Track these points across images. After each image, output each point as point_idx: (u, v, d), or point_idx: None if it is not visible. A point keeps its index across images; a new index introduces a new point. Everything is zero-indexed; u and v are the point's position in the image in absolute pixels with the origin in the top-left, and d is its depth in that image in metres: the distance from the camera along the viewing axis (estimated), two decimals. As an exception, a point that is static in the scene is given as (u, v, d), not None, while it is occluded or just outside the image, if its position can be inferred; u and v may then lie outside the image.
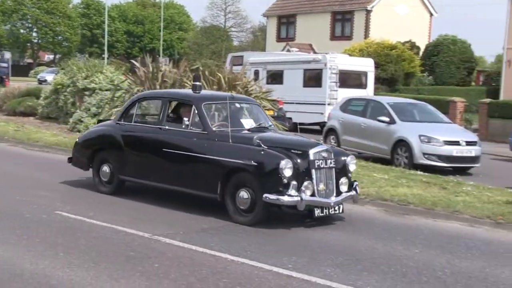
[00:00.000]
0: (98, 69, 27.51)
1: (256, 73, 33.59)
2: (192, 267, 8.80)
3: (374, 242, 10.66)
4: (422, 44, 53.95)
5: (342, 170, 12.21)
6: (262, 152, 11.42)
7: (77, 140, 15.37)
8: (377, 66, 39.09)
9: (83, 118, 24.60)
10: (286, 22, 58.88)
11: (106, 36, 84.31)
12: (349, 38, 53.38)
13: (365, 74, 34.94)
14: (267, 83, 31.87)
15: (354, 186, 12.35)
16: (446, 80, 49.74)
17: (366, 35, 52.54)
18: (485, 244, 10.86)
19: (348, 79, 33.70)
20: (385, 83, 46.00)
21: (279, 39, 58.17)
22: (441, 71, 50.57)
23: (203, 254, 9.51)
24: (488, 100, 37.45)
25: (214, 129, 12.55)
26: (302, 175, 11.41)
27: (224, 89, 21.11)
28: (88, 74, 26.50)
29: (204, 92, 14.46)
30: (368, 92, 33.81)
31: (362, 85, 34.31)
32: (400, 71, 48.41)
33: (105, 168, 13.84)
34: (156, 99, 15.24)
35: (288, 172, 11.04)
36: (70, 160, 15.11)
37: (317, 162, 11.54)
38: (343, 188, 12.04)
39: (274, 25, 60.11)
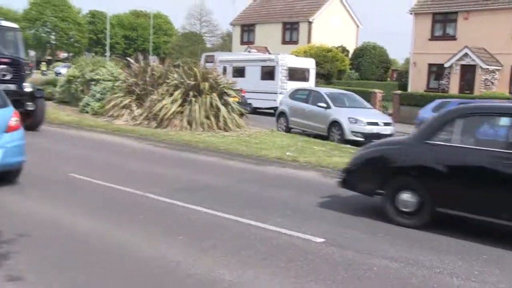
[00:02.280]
0: (101, 64, 27.30)
1: (224, 69, 33.57)
2: (174, 216, 8.76)
3: (313, 198, 10.55)
4: (351, 48, 53.99)
5: None
6: None
7: (353, 162, 9.92)
8: (317, 64, 39.08)
9: (90, 102, 24.34)
10: (247, 30, 58.60)
11: (108, 39, 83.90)
12: (295, 42, 53.23)
13: (307, 70, 35.04)
14: (233, 76, 31.87)
15: None
16: (369, 76, 49.98)
17: (309, 41, 52.43)
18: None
19: (295, 74, 33.78)
20: (323, 77, 46.08)
21: (242, 42, 57.85)
22: (365, 69, 50.79)
23: (181, 207, 9.39)
24: (399, 92, 37.95)
25: None
26: None
27: (199, 80, 21.07)
28: (93, 68, 26.22)
29: None
30: (310, 84, 33.91)
31: (306, 79, 34.39)
32: (334, 68, 48.62)
33: (407, 196, 8.83)
34: (495, 116, 9.24)
35: None
36: (343, 184, 9.92)
37: None
38: None
39: (238, 32, 59.79)
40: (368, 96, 33.53)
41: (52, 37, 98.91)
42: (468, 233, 8.46)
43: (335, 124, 20.84)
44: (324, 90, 23.73)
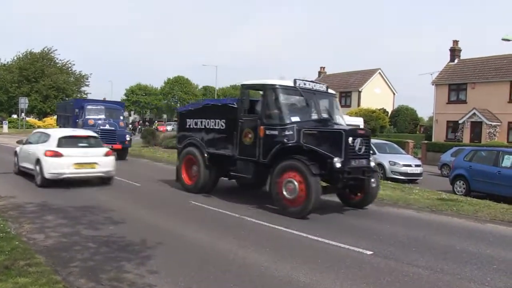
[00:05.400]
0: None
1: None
2: (262, 234, 8.63)
3: (362, 221, 10.33)
4: (389, 110, 53.12)
5: None
6: None
7: None
8: (365, 122, 38.38)
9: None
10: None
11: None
12: (349, 106, 52.74)
13: (358, 126, 34.45)
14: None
15: None
16: (403, 130, 48.95)
17: (359, 105, 51.92)
18: (425, 222, 10.51)
19: (348, 129, 33.28)
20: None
21: (310, 107, 57.91)
22: (400, 125, 49.79)
23: (267, 227, 9.25)
24: (426, 141, 37.32)
25: None
26: None
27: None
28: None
29: None
30: (359, 136, 33.33)
31: (356, 133, 33.81)
32: (377, 125, 47.81)
33: None
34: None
35: None
36: None
37: None
38: None
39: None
40: (403, 145, 32.76)
41: (178, 105, 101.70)
42: (482, 247, 8.09)
43: (379, 165, 20.33)
44: (371, 141, 23.31)
